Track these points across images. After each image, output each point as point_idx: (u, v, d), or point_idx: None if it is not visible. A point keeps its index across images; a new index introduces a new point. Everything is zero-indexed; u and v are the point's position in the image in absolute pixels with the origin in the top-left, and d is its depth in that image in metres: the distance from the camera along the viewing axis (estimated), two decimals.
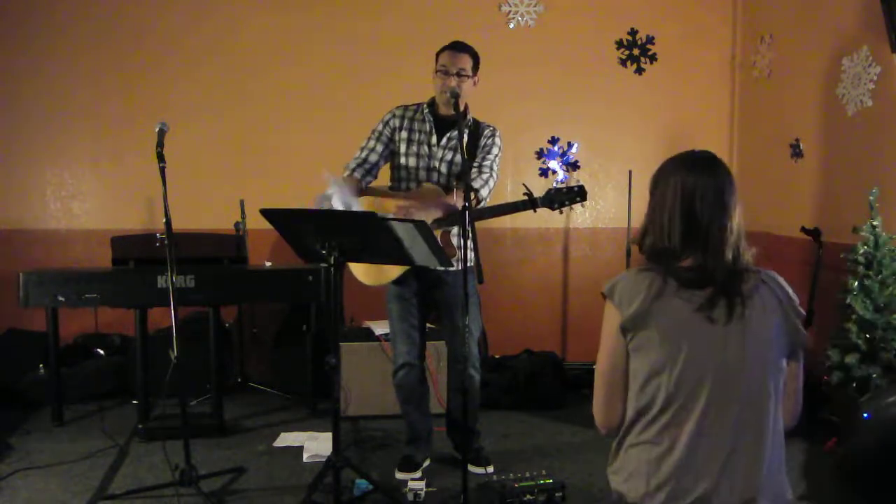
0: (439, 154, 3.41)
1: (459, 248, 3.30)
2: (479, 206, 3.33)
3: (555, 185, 3.10)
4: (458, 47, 3.35)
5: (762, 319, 1.63)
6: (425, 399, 3.58)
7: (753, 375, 1.61)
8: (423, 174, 3.41)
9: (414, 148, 3.41)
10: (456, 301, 3.32)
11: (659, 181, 1.74)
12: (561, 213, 3.35)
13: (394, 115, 3.44)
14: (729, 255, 1.64)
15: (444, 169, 3.40)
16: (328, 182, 3.19)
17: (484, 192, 3.34)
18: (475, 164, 3.39)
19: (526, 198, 3.17)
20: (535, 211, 3.21)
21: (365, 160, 3.41)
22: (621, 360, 1.65)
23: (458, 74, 3.29)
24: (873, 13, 3.92)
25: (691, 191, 1.66)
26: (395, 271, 3.35)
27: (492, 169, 3.39)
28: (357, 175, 3.38)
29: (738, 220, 1.68)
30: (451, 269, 3.27)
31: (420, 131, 3.42)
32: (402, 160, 3.42)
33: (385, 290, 3.49)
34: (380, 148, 3.43)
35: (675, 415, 1.60)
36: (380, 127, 3.45)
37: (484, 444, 3.69)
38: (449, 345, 3.60)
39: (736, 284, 1.63)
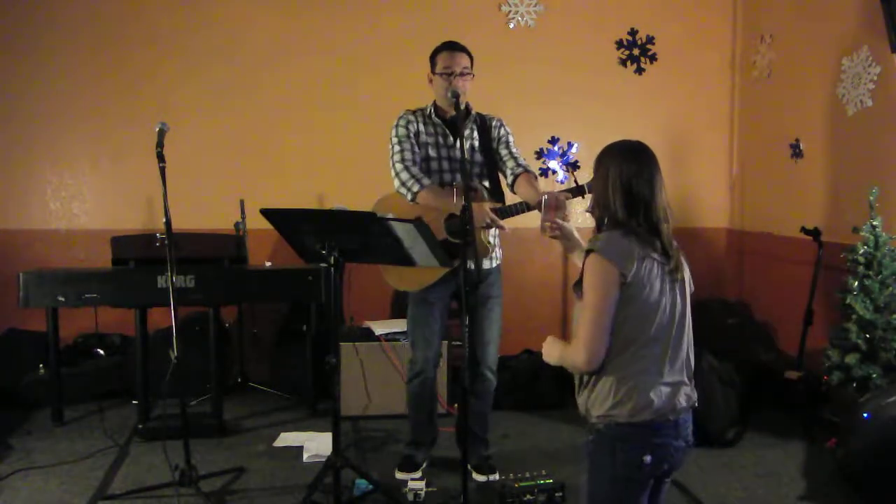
0: (459, 154, 3.41)
1: (490, 245, 3.35)
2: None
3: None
4: (456, 47, 3.36)
5: (686, 274, 2.13)
6: (434, 407, 3.59)
7: (689, 317, 2.12)
8: (447, 176, 3.40)
9: (435, 151, 3.40)
10: (482, 302, 3.34)
11: (601, 165, 2.13)
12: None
13: (409, 121, 3.40)
14: (664, 225, 2.06)
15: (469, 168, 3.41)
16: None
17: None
18: (510, 156, 3.45)
19: (574, 185, 3.27)
20: (583, 198, 3.28)
21: (414, 163, 3.34)
22: (614, 304, 2.00)
23: (462, 74, 3.31)
24: (873, 13, 3.92)
25: (629, 175, 2.05)
26: (435, 273, 3.31)
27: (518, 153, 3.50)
28: (430, 181, 3.32)
29: (664, 196, 2.08)
30: (485, 268, 3.29)
31: (435, 134, 3.42)
32: (425, 165, 3.39)
33: (387, 290, 3.48)
34: (417, 149, 3.37)
35: (658, 347, 2.04)
36: (403, 132, 3.38)
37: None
38: (470, 348, 3.59)
39: (674, 248, 2.09)
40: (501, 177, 3.50)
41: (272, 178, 5.03)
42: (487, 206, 3.21)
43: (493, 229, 3.33)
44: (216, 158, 5.04)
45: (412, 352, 3.48)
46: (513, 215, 3.32)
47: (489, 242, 3.34)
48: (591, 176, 3.26)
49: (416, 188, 3.26)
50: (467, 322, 3.46)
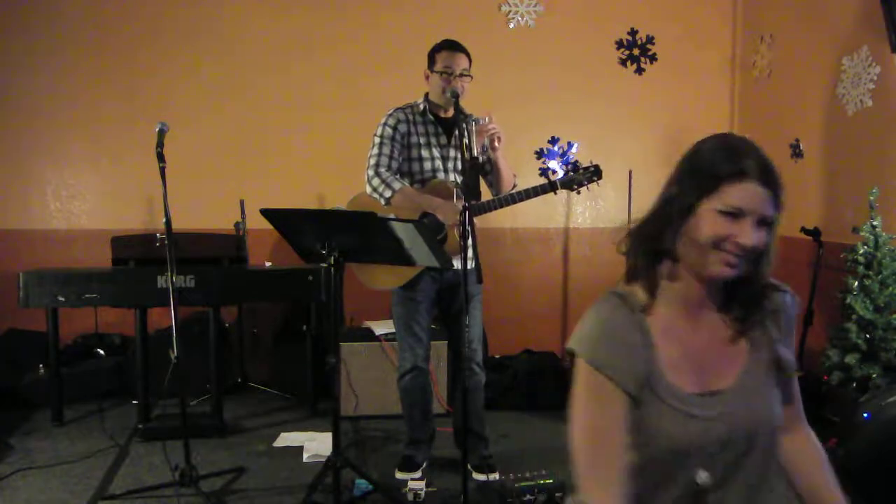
0: (451, 153, 3.42)
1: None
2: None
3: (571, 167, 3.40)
4: (456, 47, 3.35)
5: None
6: (429, 403, 3.58)
7: None
8: (441, 175, 3.40)
9: (426, 151, 3.39)
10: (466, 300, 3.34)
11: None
12: (578, 193, 3.48)
13: (398, 120, 3.38)
14: None
15: (459, 167, 3.41)
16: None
17: (516, 181, 3.51)
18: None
19: (546, 181, 3.33)
20: (555, 193, 3.39)
21: (388, 167, 3.33)
22: None
23: (462, 75, 3.30)
24: (873, 13, 3.92)
25: None
26: (411, 270, 3.32)
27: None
28: (401, 183, 3.32)
29: None
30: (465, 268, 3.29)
31: (427, 133, 3.40)
32: (417, 165, 3.39)
33: (389, 291, 3.47)
34: (396, 153, 3.36)
35: None
36: (389, 131, 3.36)
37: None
38: (456, 346, 3.59)
39: None
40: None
41: (272, 178, 5.03)
42: (460, 204, 3.22)
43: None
44: (216, 158, 5.04)
45: (401, 350, 3.48)
46: (486, 212, 3.34)
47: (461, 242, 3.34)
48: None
49: (387, 194, 3.26)
50: (456, 321, 3.49)
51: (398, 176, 3.34)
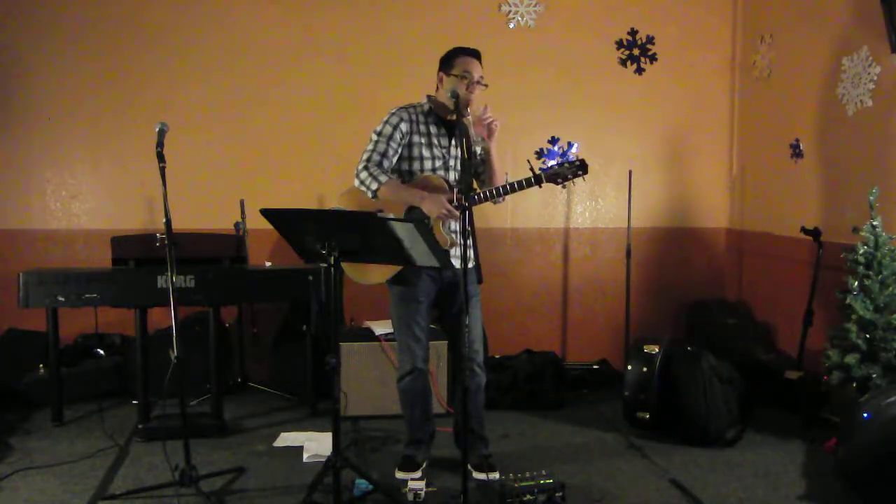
0: (452, 153, 3.43)
1: (453, 232, 3.34)
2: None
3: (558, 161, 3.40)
4: (477, 55, 3.37)
5: None
6: (429, 403, 3.58)
7: None
8: (441, 174, 3.40)
9: (427, 151, 3.39)
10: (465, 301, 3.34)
11: None
12: (564, 187, 3.48)
13: (401, 120, 3.35)
14: None
15: (459, 166, 3.41)
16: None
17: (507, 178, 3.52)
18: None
19: (531, 175, 3.31)
20: (540, 186, 3.37)
21: (380, 164, 3.33)
22: None
23: (478, 83, 3.33)
24: (873, 13, 3.93)
25: None
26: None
27: None
28: (388, 177, 3.32)
29: None
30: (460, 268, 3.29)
31: (429, 134, 3.40)
32: (417, 164, 3.38)
33: (387, 290, 3.47)
34: (391, 153, 3.35)
35: None
36: (389, 130, 3.34)
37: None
38: (456, 346, 3.58)
39: None
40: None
41: (272, 178, 5.04)
42: (444, 198, 3.23)
43: (453, 224, 3.34)
44: (216, 158, 5.04)
45: (400, 351, 3.48)
46: (474, 205, 3.33)
47: (448, 235, 3.33)
48: (590, 177, 3.22)
49: (374, 186, 3.26)
50: (456, 321, 3.49)
51: (391, 174, 3.35)
